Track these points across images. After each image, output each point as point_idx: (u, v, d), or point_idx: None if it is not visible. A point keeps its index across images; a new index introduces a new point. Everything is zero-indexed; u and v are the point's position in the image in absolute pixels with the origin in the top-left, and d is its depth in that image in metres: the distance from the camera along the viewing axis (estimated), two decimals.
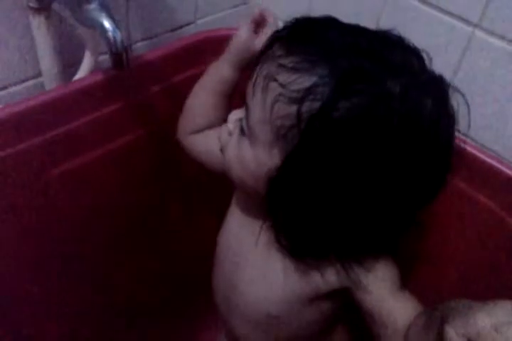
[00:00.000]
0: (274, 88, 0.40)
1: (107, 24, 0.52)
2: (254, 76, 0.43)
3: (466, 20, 0.59)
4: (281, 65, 0.40)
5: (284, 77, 0.40)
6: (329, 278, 0.48)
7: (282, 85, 0.40)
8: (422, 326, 0.42)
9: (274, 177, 0.43)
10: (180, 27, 0.76)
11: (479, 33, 0.58)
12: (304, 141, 0.39)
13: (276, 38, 0.43)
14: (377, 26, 0.64)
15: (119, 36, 0.52)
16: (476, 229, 0.57)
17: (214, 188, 0.67)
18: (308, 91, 0.38)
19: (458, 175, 0.53)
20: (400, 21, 0.65)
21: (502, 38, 0.56)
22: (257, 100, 0.42)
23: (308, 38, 0.41)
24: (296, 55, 0.40)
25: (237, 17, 0.81)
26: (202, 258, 0.61)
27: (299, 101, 0.39)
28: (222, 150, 0.49)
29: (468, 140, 0.55)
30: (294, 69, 0.39)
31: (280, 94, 0.40)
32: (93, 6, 0.52)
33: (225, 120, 0.51)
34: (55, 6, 0.57)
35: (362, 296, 0.48)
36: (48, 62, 0.60)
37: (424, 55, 0.42)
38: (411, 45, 0.42)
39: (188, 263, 0.78)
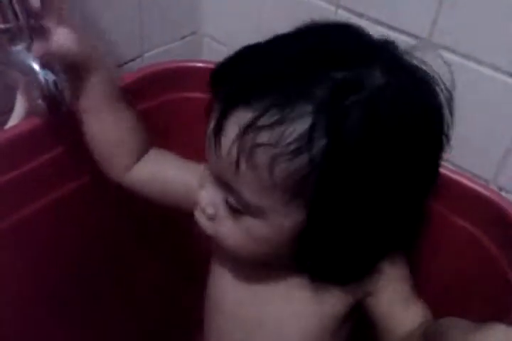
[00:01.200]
0: (263, 153, 0.36)
1: (35, 66, 0.47)
2: (222, 153, 0.38)
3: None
4: (259, 127, 0.35)
5: (269, 137, 0.35)
6: (354, 291, 0.47)
7: (273, 145, 0.35)
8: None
9: (301, 233, 0.40)
10: (126, 62, 0.72)
11: None
12: (328, 180, 0.36)
13: (218, 94, 0.39)
14: None
15: (51, 77, 0.48)
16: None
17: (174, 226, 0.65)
18: (309, 134, 0.35)
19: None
20: None
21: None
22: (245, 177, 0.38)
23: (258, 86, 0.36)
24: (269, 110, 0.35)
25: (186, 48, 0.78)
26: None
27: (304, 148, 0.35)
28: (213, 237, 0.44)
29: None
30: (278, 123, 0.35)
31: (276, 156, 0.36)
32: (19, 47, 0.47)
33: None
34: None
35: (373, 302, 0.46)
36: None
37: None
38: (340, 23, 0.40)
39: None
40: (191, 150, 0.69)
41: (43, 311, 0.61)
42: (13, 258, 0.57)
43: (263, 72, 0.37)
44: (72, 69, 0.47)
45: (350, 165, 0.36)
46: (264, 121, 0.36)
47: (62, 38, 0.44)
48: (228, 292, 0.52)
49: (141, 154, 0.52)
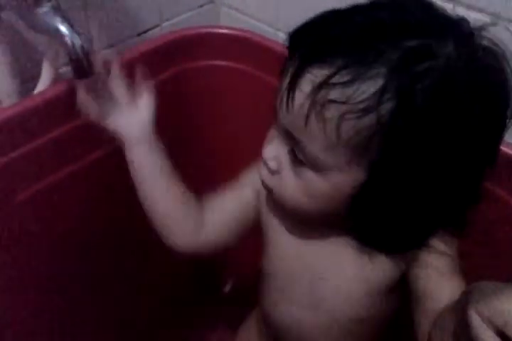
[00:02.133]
0: (334, 109, 0.37)
1: (62, 28, 0.47)
2: (294, 107, 0.39)
3: None
4: (333, 84, 0.37)
5: (341, 95, 0.37)
6: (398, 262, 0.47)
7: (344, 102, 0.37)
8: (448, 310, 0.39)
9: (361, 193, 0.41)
10: (146, 31, 0.72)
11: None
12: (392, 143, 0.38)
13: (296, 54, 0.40)
14: None
15: (77, 41, 0.48)
16: None
17: None
18: (380, 94, 0.36)
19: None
20: None
21: None
22: (312, 131, 0.39)
23: (335, 46, 0.38)
24: (342, 69, 0.37)
25: (204, 16, 0.77)
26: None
27: (373, 108, 0.37)
28: (269, 191, 0.46)
29: None
30: (351, 82, 0.37)
31: (345, 113, 0.37)
32: (45, 9, 0.47)
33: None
34: (5, 14, 0.52)
35: (416, 274, 0.46)
36: (3, 78, 0.55)
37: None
38: None
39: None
40: (216, 116, 0.70)
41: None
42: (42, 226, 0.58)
43: (339, 35, 0.38)
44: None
45: (416, 130, 0.37)
46: (337, 78, 0.37)
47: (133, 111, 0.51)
48: (287, 247, 0.52)
49: (200, 210, 0.53)
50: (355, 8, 0.41)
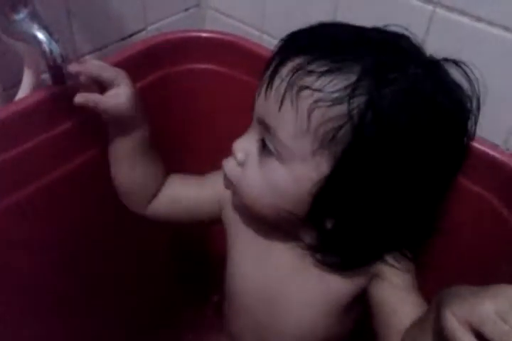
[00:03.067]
0: (308, 96, 0.40)
1: (40, 35, 0.47)
2: (272, 92, 0.42)
3: None
4: (310, 72, 0.40)
5: (316, 82, 0.39)
6: (359, 279, 0.48)
7: (318, 90, 0.39)
8: (419, 318, 0.40)
9: (321, 189, 0.41)
10: (131, 35, 0.72)
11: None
12: (360, 136, 0.39)
13: (283, 50, 0.43)
14: (335, 17, 0.62)
15: (55, 47, 0.47)
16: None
17: None
18: (352, 88, 0.38)
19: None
20: (359, 7, 0.62)
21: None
22: (285, 115, 0.41)
23: (320, 42, 0.41)
24: (321, 60, 0.40)
25: (189, 20, 0.77)
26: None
27: (345, 99, 0.38)
28: (234, 185, 0.46)
29: None
30: (327, 72, 0.39)
31: (318, 100, 0.39)
32: (22, 15, 0.46)
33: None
34: None
35: (382, 288, 0.47)
36: None
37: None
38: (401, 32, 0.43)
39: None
40: (201, 120, 0.70)
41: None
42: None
43: (326, 36, 0.42)
44: (115, 121, 0.52)
45: (382, 130, 0.38)
46: (315, 67, 0.39)
47: (116, 96, 0.50)
48: (246, 251, 0.54)
49: (159, 186, 0.57)
50: (346, 24, 0.44)
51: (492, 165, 0.50)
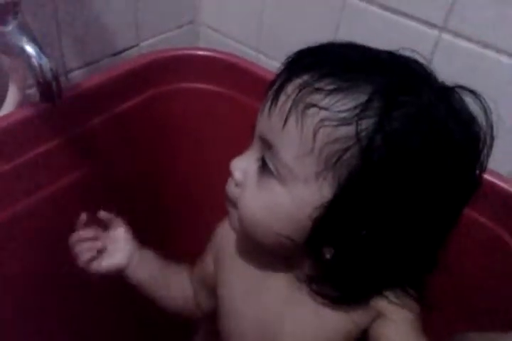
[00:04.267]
0: (314, 114, 0.37)
1: (29, 49, 0.44)
2: (276, 109, 0.39)
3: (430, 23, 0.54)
4: (317, 89, 0.37)
5: (324, 101, 0.37)
6: (360, 315, 0.44)
7: (325, 108, 0.37)
8: None
9: (321, 215, 0.39)
10: (122, 51, 0.69)
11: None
12: (367, 160, 0.36)
13: (290, 66, 0.41)
14: (336, 37, 0.61)
15: (45, 62, 0.45)
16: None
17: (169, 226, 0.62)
18: (361, 108, 0.36)
19: None
20: (360, 29, 0.61)
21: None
22: (289, 133, 0.38)
23: (330, 59, 0.39)
24: (330, 77, 0.38)
25: (183, 37, 0.75)
26: None
27: (353, 120, 0.36)
28: (231, 205, 0.44)
29: None
30: (335, 91, 0.37)
31: (324, 119, 0.37)
32: (10, 28, 0.44)
33: None
34: None
35: (384, 327, 0.43)
36: None
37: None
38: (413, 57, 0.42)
39: None
40: (194, 139, 0.68)
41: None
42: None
43: (336, 54, 0.40)
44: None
45: (390, 154, 0.36)
46: (323, 84, 0.37)
47: (115, 257, 0.55)
48: (236, 287, 0.51)
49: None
50: (357, 44, 0.42)
51: (499, 196, 0.49)
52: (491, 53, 0.52)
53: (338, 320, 0.45)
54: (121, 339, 0.70)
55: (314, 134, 0.37)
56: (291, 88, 0.39)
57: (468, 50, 0.53)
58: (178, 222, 0.74)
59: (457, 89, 0.40)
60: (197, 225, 0.74)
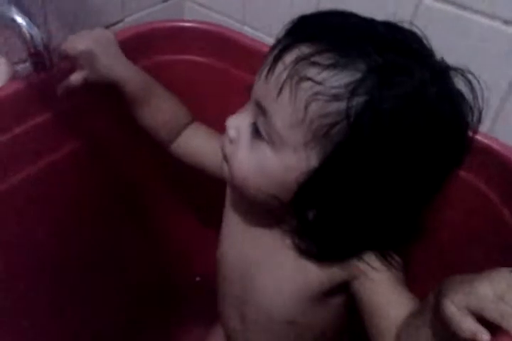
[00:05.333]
0: (308, 87, 0.39)
1: (19, 19, 0.44)
2: (273, 77, 0.40)
3: None
4: (314, 63, 0.38)
5: (319, 75, 0.38)
6: (335, 271, 0.47)
7: (319, 83, 0.38)
8: (414, 313, 0.40)
9: (307, 180, 0.41)
10: (108, 26, 0.69)
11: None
12: (354, 136, 0.38)
13: (292, 35, 0.42)
14: (319, 7, 0.62)
15: (36, 32, 0.45)
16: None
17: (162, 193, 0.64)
18: (354, 86, 0.37)
19: None
20: None
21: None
22: (283, 103, 0.40)
23: (329, 32, 0.40)
24: (328, 52, 0.38)
25: (168, 12, 0.75)
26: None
27: (345, 97, 0.37)
28: (225, 159, 0.46)
29: None
30: (331, 66, 0.38)
31: (317, 93, 0.38)
32: None
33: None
34: None
35: (364, 286, 0.46)
36: None
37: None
38: (414, 31, 0.42)
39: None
40: None
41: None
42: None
43: (336, 26, 0.40)
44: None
45: (376, 132, 0.38)
46: (319, 59, 0.38)
47: (75, 76, 0.52)
48: (225, 231, 0.55)
49: (180, 129, 0.59)
50: (356, 15, 0.42)
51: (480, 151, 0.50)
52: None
53: (315, 271, 0.47)
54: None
55: (306, 106, 0.39)
56: (289, 58, 0.40)
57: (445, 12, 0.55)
58: (171, 195, 0.75)
59: (451, 69, 0.41)
60: (193, 194, 0.75)
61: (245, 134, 0.44)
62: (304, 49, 0.39)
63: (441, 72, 0.40)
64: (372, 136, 0.38)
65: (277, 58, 0.40)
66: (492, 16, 0.52)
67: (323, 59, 0.38)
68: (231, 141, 0.45)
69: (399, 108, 0.38)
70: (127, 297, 0.73)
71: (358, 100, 0.37)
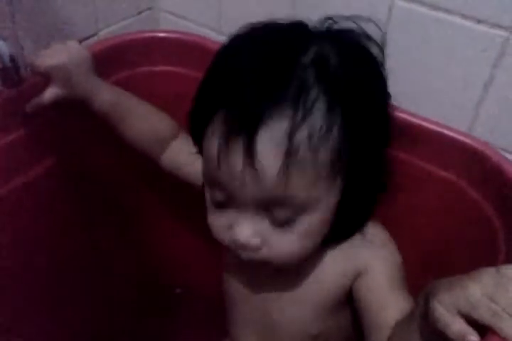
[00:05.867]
0: (305, 147, 0.37)
1: None
2: (267, 172, 0.37)
3: None
4: (294, 133, 0.37)
5: (305, 132, 0.37)
6: (342, 280, 0.48)
7: (310, 136, 0.37)
8: (406, 317, 0.40)
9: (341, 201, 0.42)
10: (81, 40, 0.68)
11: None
12: (352, 141, 0.40)
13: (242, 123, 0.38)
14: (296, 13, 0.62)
15: (4, 47, 0.44)
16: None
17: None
18: (328, 114, 0.39)
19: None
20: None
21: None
22: (292, 180, 0.38)
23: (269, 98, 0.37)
24: (287, 115, 0.37)
25: (143, 23, 0.74)
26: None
27: (331, 127, 0.38)
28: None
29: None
30: (302, 120, 0.37)
31: (316, 142, 0.38)
32: None
33: None
34: None
35: (364, 283, 0.46)
36: None
37: None
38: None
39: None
40: None
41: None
42: None
43: (259, 86, 0.37)
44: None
45: (360, 120, 0.40)
46: (295, 128, 0.37)
47: (47, 93, 0.51)
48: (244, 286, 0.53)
49: (164, 144, 0.57)
50: (241, 49, 0.41)
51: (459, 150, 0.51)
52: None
53: (329, 288, 0.49)
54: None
55: (314, 160, 0.38)
56: (267, 146, 0.37)
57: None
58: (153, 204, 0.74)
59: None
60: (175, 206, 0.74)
61: (268, 231, 0.41)
62: (271, 130, 0.37)
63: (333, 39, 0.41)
64: (358, 129, 0.39)
65: (250, 156, 0.37)
66: (465, 16, 0.52)
67: (293, 124, 0.37)
68: (258, 247, 0.42)
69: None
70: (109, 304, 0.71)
71: (337, 119, 0.39)
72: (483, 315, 0.30)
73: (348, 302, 0.50)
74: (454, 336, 0.31)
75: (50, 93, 0.51)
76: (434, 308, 0.32)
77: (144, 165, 0.60)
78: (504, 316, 0.30)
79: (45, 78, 0.51)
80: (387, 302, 0.44)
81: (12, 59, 0.45)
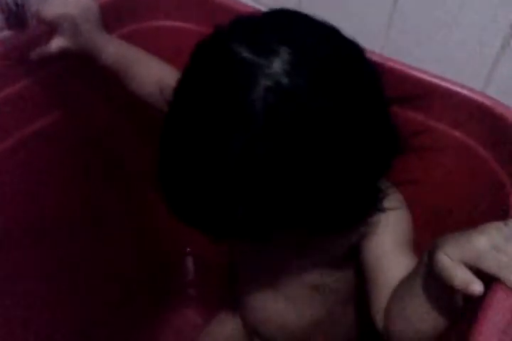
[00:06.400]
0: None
1: None
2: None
3: None
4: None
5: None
6: (347, 238, 0.48)
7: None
8: (410, 274, 0.40)
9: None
10: None
11: None
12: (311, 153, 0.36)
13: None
14: None
15: None
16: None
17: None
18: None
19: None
20: None
21: None
22: None
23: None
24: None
25: None
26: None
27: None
28: None
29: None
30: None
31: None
32: None
33: None
34: None
35: (369, 241, 0.46)
36: None
37: None
38: None
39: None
40: None
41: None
42: None
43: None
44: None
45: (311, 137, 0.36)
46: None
47: (53, 44, 0.50)
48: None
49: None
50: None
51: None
52: None
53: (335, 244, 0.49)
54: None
55: None
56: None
57: None
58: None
59: None
60: None
61: None
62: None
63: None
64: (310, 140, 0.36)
65: None
66: None
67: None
68: None
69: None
70: (116, 273, 0.72)
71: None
72: (491, 266, 0.31)
73: (352, 259, 0.50)
74: (457, 285, 0.31)
75: (56, 43, 0.50)
76: (439, 259, 0.32)
77: (147, 124, 0.59)
78: None
79: (51, 28, 0.50)
80: (391, 263, 0.44)
81: (16, 3, 0.44)
